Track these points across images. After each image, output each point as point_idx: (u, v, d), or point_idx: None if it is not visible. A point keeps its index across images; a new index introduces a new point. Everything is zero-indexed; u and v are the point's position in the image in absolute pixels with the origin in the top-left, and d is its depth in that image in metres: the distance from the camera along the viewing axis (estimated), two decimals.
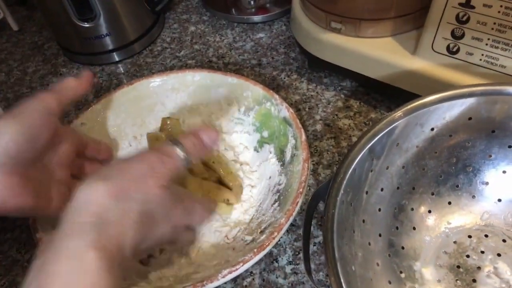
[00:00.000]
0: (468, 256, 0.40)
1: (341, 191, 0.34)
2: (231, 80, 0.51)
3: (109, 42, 0.66)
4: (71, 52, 0.69)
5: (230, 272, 0.36)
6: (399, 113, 0.36)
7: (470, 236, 0.41)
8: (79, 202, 0.29)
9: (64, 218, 0.28)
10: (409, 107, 0.36)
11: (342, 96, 0.57)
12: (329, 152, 0.52)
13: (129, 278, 0.39)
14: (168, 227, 0.34)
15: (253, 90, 0.50)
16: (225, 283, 0.42)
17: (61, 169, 0.42)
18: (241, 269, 0.37)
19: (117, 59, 0.68)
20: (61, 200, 0.40)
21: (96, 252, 0.25)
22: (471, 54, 0.44)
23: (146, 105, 0.53)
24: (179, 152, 0.34)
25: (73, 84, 0.42)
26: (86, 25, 0.63)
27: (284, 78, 0.61)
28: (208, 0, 0.74)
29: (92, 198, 0.29)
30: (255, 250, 0.37)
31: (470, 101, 0.37)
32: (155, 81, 0.53)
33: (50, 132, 0.39)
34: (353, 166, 0.35)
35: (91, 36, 0.64)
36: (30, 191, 0.37)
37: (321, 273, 0.43)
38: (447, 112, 0.38)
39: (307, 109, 0.57)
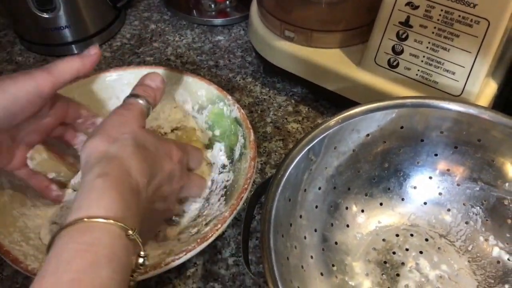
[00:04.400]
0: (394, 252, 0.43)
1: (280, 187, 0.37)
2: (187, 78, 0.53)
3: (68, 34, 0.66)
4: (28, 42, 0.68)
5: (173, 261, 0.38)
6: (336, 119, 0.39)
7: (397, 235, 0.44)
8: (85, 157, 0.35)
9: (81, 171, 0.36)
10: (346, 114, 0.40)
11: (293, 101, 0.60)
12: (276, 153, 0.55)
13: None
14: (172, 163, 0.40)
15: (208, 90, 0.52)
16: (170, 272, 0.44)
17: (34, 134, 0.43)
18: (183, 257, 0.38)
19: (75, 51, 0.68)
20: (22, 160, 0.43)
21: (100, 177, 0.32)
22: (409, 69, 0.49)
23: (101, 98, 0.54)
24: (137, 99, 0.41)
25: (75, 65, 0.41)
26: (45, 15, 0.63)
27: (239, 80, 0.63)
28: (170, 0, 0.75)
29: (93, 150, 0.35)
30: (198, 240, 0.39)
31: (401, 111, 0.41)
32: (112, 76, 0.53)
33: (33, 111, 0.40)
34: (293, 165, 0.38)
35: (50, 27, 0.65)
36: None
37: (261, 265, 0.45)
38: (382, 120, 0.41)
39: (259, 112, 0.59)
